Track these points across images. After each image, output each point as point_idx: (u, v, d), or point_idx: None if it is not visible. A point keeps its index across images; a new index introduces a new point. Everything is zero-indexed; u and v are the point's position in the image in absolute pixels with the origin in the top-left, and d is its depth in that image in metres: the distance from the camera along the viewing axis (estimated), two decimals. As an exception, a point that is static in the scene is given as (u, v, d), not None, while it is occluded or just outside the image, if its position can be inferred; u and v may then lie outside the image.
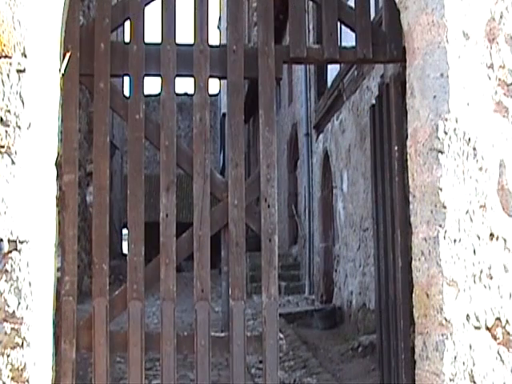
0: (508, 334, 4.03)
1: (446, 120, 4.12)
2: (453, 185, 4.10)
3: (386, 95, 4.95)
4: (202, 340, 4.35)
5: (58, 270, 4.27)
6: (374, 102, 5.42)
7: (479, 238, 4.07)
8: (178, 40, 4.58)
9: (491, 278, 4.05)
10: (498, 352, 4.02)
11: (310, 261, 13.31)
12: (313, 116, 13.30)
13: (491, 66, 4.15)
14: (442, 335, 4.04)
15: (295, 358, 8.13)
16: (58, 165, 4.19)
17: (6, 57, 3.79)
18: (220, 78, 4.79)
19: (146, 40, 4.55)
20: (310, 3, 7.43)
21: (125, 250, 21.22)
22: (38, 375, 3.76)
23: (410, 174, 4.46)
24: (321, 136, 12.69)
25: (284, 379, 6.99)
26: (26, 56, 3.80)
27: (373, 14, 5.46)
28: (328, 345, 9.21)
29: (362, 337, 8.49)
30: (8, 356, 3.65)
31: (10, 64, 3.79)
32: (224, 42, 5.20)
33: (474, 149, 4.11)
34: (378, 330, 5.24)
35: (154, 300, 10.28)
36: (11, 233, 3.70)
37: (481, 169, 4.11)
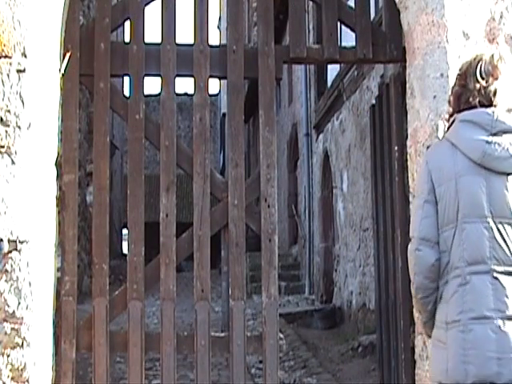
0: (508, 333, 4.02)
1: (446, 120, 4.11)
2: (453, 185, 4.09)
3: (386, 95, 4.94)
4: (202, 340, 4.35)
5: (58, 270, 4.27)
6: (374, 101, 5.42)
7: (479, 237, 4.06)
8: (178, 40, 4.58)
9: (491, 278, 4.04)
10: (498, 352, 4.01)
11: (310, 261, 13.30)
12: (313, 116, 13.29)
13: (491, 66, 4.15)
14: (442, 335, 4.03)
15: (295, 358, 8.12)
16: (58, 165, 4.19)
17: (6, 57, 3.78)
18: (220, 78, 4.79)
19: (146, 40, 4.55)
20: (310, 3, 7.42)
21: (125, 250, 21.22)
22: (38, 375, 3.76)
23: (409, 174, 4.46)
24: (321, 136, 12.68)
25: (284, 379, 6.98)
26: (26, 56, 3.80)
27: (373, 14, 5.46)
28: (328, 345, 9.19)
29: (362, 337, 8.48)
30: (8, 356, 3.65)
31: (10, 64, 3.79)
32: (224, 42, 5.20)
33: (474, 149, 4.10)
34: (378, 330, 5.24)
35: (154, 300, 10.26)
36: (11, 233, 3.70)
37: (481, 169, 4.10)
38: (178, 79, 4.57)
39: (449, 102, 2.67)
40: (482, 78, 2.46)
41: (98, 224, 4.40)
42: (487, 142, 2.40)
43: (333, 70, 11.31)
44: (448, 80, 4.12)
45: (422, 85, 4.26)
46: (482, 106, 2.49)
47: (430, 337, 2.59)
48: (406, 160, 4.56)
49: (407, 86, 4.48)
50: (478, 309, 2.34)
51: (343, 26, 4.78)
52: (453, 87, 2.63)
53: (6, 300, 3.66)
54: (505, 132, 2.42)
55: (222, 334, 4.52)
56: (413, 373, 4.33)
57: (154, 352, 4.45)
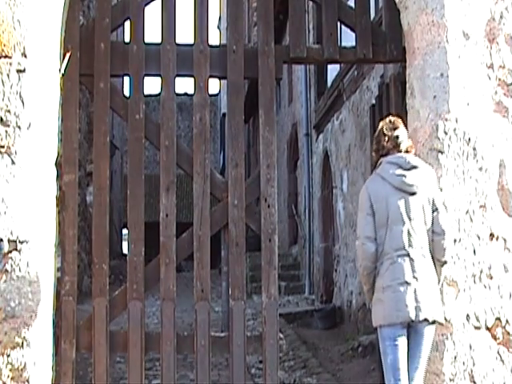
0: (508, 333, 4.03)
1: (446, 120, 4.12)
2: (453, 185, 4.10)
3: (385, 95, 4.94)
4: (202, 340, 4.36)
5: (58, 270, 4.27)
6: (374, 101, 5.42)
7: (479, 238, 4.07)
8: (178, 40, 4.59)
9: (491, 277, 4.05)
10: (498, 352, 4.02)
11: (309, 261, 13.28)
12: (313, 116, 13.27)
13: (491, 66, 4.15)
14: (442, 335, 4.04)
15: (295, 358, 8.10)
16: (58, 165, 4.19)
17: (6, 57, 3.79)
18: (220, 78, 4.80)
19: (146, 40, 4.56)
20: (310, 3, 7.42)
21: (125, 250, 21.22)
22: (38, 375, 3.76)
23: (409, 174, 4.45)
24: (321, 136, 12.67)
25: (284, 379, 6.97)
26: (26, 56, 3.81)
27: (373, 14, 5.46)
28: (328, 345, 9.18)
29: (362, 337, 8.47)
30: (8, 356, 3.65)
31: (10, 64, 3.79)
32: (224, 42, 5.20)
33: (474, 149, 4.11)
34: (377, 330, 5.22)
35: (154, 300, 10.26)
36: (11, 233, 3.70)
37: (481, 169, 4.11)
38: (178, 79, 4.58)
39: (374, 152, 3.95)
40: (393, 140, 3.83)
41: (98, 224, 4.41)
42: (403, 175, 3.76)
43: (333, 70, 11.30)
44: (448, 80, 4.13)
45: (422, 85, 4.26)
46: (393, 150, 3.83)
47: (371, 300, 3.85)
48: (406, 160, 4.56)
49: (407, 85, 4.48)
50: (402, 277, 3.68)
51: (343, 26, 4.78)
52: (373, 149, 3.97)
53: (6, 300, 3.66)
54: (413, 168, 3.77)
55: (222, 334, 4.52)
56: (413, 373, 4.33)
57: (154, 352, 4.45)
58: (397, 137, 3.80)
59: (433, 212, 3.79)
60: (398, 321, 3.67)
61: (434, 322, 3.74)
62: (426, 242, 3.78)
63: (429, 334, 3.74)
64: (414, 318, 3.65)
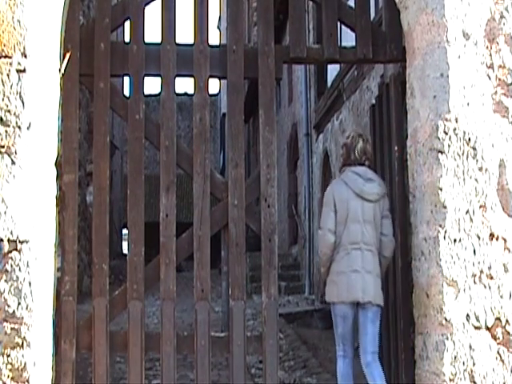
0: (508, 333, 4.03)
1: (446, 120, 4.12)
2: (453, 185, 4.10)
3: (385, 95, 4.95)
4: (202, 340, 4.36)
5: (58, 270, 4.27)
6: (374, 101, 5.42)
7: (479, 237, 4.07)
8: (178, 40, 4.59)
9: (491, 277, 4.05)
10: (498, 352, 4.02)
11: (309, 261, 13.27)
12: (313, 116, 13.26)
13: (491, 66, 4.15)
14: (442, 335, 4.04)
15: (295, 358, 8.09)
16: (57, 165, 4.19)
17: (5, 57, 3.79)
18: (220, 78, 4.79)
19: (146, 40, 4.56)
20: (310, 3, 7.42)
21: (125, 250, 21.21)
22: (38, 375, 3.76)
23: (409, 174, 4.46)
24: (321, 136, 12.66)
25: (284, 379, 6.96)
26: (25, 56, 3.80)
27: (373, 14, 5.46)
28: (328, 345, 9.16)
29: (362, 337, 8.45)
30: (8, 356, 3.65)
31: (10, 64, 3.79)
32: (224, 41, 5.20)
33: (474, 149, 4.11)
34: (377, 330, 5.23)
35: (154, 300, 10.25)
36: (11, 233, 3.70)
37: (481, 169, 4.11)
38: (178, 79, 4.58)
39: (342, 159, 4.78)
40: (359, 154, 4.68)
41: (98, 224, 4.41)
42: (363, 184, 4.58)
43: (333, 70, 11.29)
44: (448, 80, 4.12)
45: (422, 85, 4.26)
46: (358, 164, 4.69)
47: (324, 280, 4.66)
48: (406, 160, 4.57)
49: (407, 85, 4.48)
50: (354, 266, 4.48)
51: (343, 26, 4.78)
52: (342, 154, 4.80)
53: (5, 300, 3.66)
54: (370, 180, 4.60)
55: (222, 334, 4.52)
56: (413, 373, 4.33)
57: (153, 352, 4.45)
58: (365, 163, 4.65)
59: (382, 218, 4.60)
60: (348, 300, 4.50)
61: (377, 305, 4.53)
62: (375, 241, 4.57)
63: (374, 313, 4.52)
64: (360, 300, 4.47)
